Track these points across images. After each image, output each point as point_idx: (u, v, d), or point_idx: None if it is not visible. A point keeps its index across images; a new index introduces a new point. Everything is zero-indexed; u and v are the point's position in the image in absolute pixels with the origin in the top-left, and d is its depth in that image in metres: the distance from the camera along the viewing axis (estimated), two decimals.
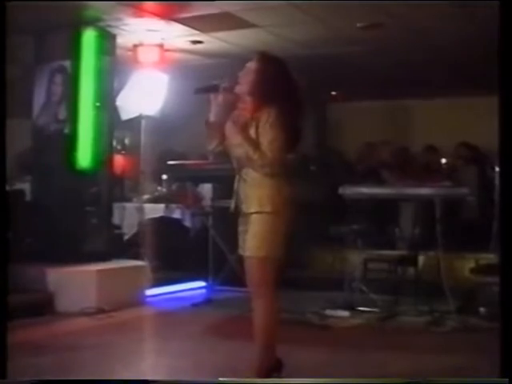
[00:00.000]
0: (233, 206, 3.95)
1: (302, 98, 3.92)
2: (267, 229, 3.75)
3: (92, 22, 6.97)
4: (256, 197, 3.79)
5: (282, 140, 3.76)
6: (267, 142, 3.73)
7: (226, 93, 3.94)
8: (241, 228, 3.93)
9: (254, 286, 3.81)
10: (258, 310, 3.82)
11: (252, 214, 3.80)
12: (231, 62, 7.83)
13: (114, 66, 7.32)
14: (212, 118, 3.99)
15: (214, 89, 3.97)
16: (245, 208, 3.86)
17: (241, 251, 3.91)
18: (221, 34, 7.55)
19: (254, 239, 3.76)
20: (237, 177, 3.93)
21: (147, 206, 8.03)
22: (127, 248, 7.65)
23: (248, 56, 4.01)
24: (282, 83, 3.86)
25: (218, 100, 3.96)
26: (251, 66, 3.91)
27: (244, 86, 3.89)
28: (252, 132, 3.80)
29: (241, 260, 3.98)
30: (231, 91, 3.94)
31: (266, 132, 3.75)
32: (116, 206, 7.69)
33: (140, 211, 7.91)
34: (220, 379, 3.99)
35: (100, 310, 6.29)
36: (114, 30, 7.24)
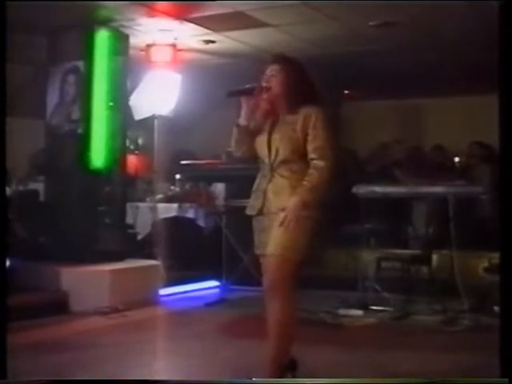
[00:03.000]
0: (259, 205, 3.84)
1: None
2: (297, 230, 3.68)
3: (105, 22, 7.00)
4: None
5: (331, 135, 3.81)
6: (324, 137, 3.74)
7: (258, 96, 3.88)
8: (261, 226, 3.85)
9: (272, 285, 3.73)
10: (273, 310, 3.76)
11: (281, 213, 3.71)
12: (244, 62, 7.87)
13: (127, 66, 7.33)
14: (243, 121, 3.92)
15: (247, 92, 3.91)
16: (272, 208, 3.78)
17: (258, 250, 3.86)
18: (233, 34, 7.55)
19: (282, 239, 3.68)
20: (267, 175, 3.84)
21: (161, 205, 8.05)
22: (141, 247, 7.67)
23: (260, 55, 3.99)
24: (308, 81, 3.88)
25: (250, 103, 3.90)
26: (275, 68, 3.87)
27: (276, 88, 3.85)
28: (298, 130, 3.76)
29: (255, 259, 3.96)
30: (262, 94, 3.88)
31: (319, 130, 3.74)
32: (129, 206, 7.71)
33: (153, 211, 7.92)
34: (218, 379, 4.00)
35: (114, 310, 6.30)
36: (127, 30, 7.27)
